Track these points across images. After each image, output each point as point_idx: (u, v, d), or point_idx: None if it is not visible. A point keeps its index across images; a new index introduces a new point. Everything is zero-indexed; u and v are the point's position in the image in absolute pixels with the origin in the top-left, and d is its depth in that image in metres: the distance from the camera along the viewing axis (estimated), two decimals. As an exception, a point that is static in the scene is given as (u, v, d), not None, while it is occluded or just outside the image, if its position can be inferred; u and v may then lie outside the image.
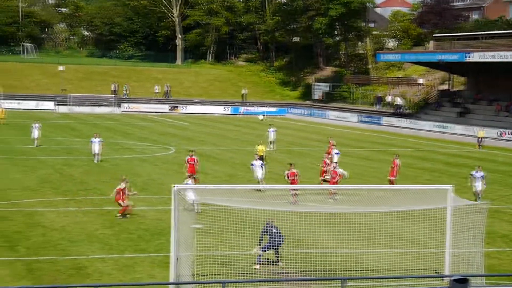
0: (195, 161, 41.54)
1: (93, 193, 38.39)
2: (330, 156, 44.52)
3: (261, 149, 48.73)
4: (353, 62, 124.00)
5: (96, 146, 50.06)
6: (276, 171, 45.34)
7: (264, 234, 25.06)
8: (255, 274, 23.66)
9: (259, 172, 40.27)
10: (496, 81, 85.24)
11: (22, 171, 45.13)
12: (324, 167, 40.92)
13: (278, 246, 24.98)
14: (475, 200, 36.67)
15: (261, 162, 41.78)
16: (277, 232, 24.92)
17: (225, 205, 24.49)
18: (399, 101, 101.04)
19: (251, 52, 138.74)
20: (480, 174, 38.92)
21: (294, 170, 37.30)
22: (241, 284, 22.18)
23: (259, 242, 25.05)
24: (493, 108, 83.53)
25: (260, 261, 24.94)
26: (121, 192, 32.52)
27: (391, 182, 40.30)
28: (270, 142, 61.24)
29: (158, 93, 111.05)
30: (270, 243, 24.84)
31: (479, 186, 38.75)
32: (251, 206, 25.05)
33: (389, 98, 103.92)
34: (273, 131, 62.05)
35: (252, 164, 41.09)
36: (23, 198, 36.37)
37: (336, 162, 42.38)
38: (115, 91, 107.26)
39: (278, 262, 25.04)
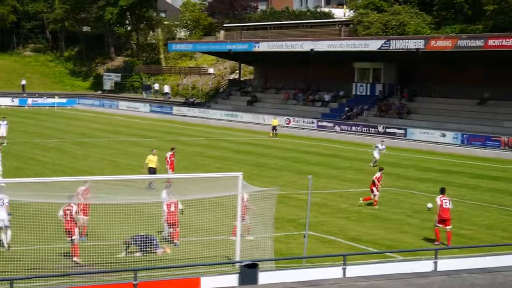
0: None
1: None
2: None
3: None
4: (145, 52, 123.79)
5: None
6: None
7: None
8: (32, 271, 22.94)
9: None
10: (284, 70, 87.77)
11: None
12: None
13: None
14: None
15: None
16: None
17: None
18: (167, 89, 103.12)
19: (39, 41, 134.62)
20: None
21: None
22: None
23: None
24: (281, 96, 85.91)
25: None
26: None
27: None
28: (1, 137, 55.86)
29: None
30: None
31: None
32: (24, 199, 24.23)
33: (156, 86, 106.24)
34: (5, 124, 57.51)
35: None
36: None
37: None
38: None
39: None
